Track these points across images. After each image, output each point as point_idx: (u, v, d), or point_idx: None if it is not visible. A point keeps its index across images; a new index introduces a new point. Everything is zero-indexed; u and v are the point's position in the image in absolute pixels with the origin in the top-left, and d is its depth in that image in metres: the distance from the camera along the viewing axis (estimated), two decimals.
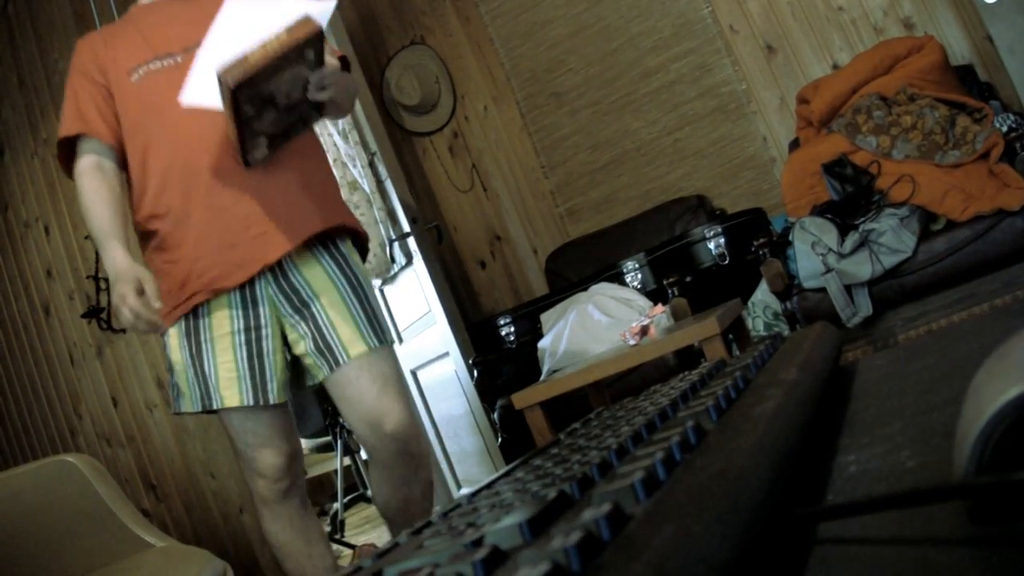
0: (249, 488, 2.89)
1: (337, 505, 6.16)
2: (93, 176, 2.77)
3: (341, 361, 2.75)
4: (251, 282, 2.74)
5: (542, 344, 4.57)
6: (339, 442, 6.36)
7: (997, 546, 0.32)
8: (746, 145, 5.54)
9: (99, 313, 5.32)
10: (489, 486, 0.57)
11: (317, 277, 2.79)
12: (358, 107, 5.09)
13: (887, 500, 0.35)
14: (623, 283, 4.90)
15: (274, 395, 2.75)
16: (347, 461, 6.55)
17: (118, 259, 2.63)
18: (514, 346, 5.16)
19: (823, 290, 3.82)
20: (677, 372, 0.82)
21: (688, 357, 3.96)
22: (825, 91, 4.54)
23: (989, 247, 3.64)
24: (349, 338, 2.77)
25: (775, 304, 4.14)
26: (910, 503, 0.34)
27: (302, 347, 2.78)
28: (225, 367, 2.73)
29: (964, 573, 0.31)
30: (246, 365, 2.74)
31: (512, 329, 5.22)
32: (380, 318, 2.88)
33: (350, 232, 2.96)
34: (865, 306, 3.76)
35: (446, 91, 6.23)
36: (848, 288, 3.78)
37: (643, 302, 4.43)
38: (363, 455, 6.80)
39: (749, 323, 4.27)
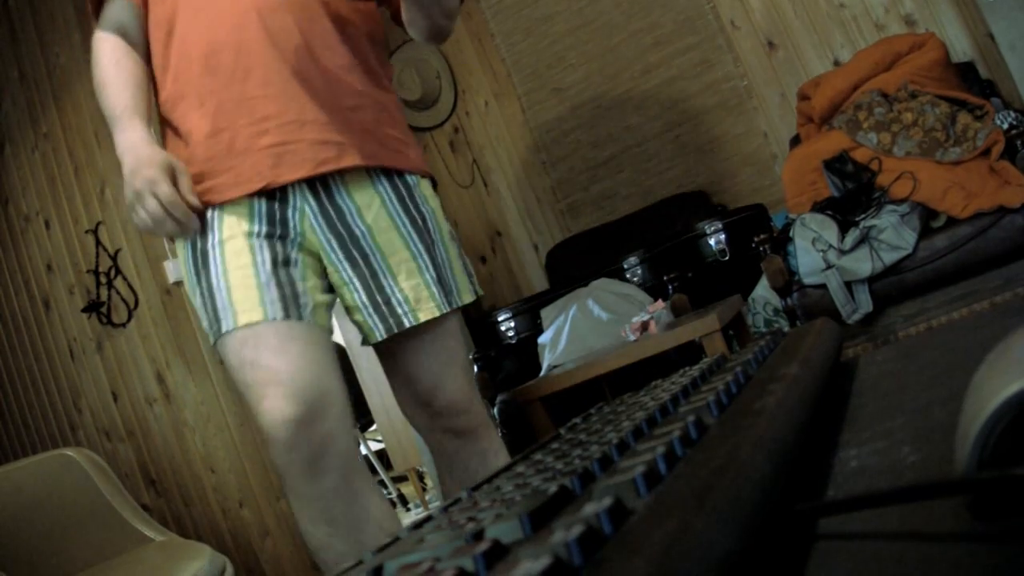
0: (277, 475, 2.11)
1: None
2: (113, 43, 2.22)
3: (406, 323, 2.22)
4: (283, 195, 2.15)
5: (542, 339, 4.58)
6: None
7: (999, 542, 0.32)
8: (747, 141, 5.54)
9: (99, 307, 5.32)
10: (490, 480, 0.57)
11: (376, 213, 2.22)
12: None
13: (888, 495, 0.35)
14: (623, 279, 4.90)
15: (309, 313, 2.10)
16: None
17: (140, 141, 2.09)
18: (514, 341, 5.16)
19: (823, 286, 3.82)
20: (678, 368, 0.82)
21: (689, 353, 3.96)
22: (826, 88, 4.54)
23: (990, 244, 3.64)
24: (416, 296, 2.23)
25: (775, 300, 4.14)
26: (911, 498, 0.34)
27: (350, 297, 2.23)
28: (239, 273, 2.08)
29: (965, 568, 0.31)
30: (269, 271, 2.08)
31: (512, 324, 5.22)
32: (455, 272, 2.34)
33: (426, 176, 2.42)
34: (865, 303, 3.77)
35: (447, 86, 6.23)
36: (848, 285, 3.78)
37: (643, 298, 4.44)
38: (364, 450, 6.79)
39: (749, 319, 4.28)
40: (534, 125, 6.08)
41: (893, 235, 3.72)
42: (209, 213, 2.13)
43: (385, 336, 2.24)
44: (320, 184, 2.18)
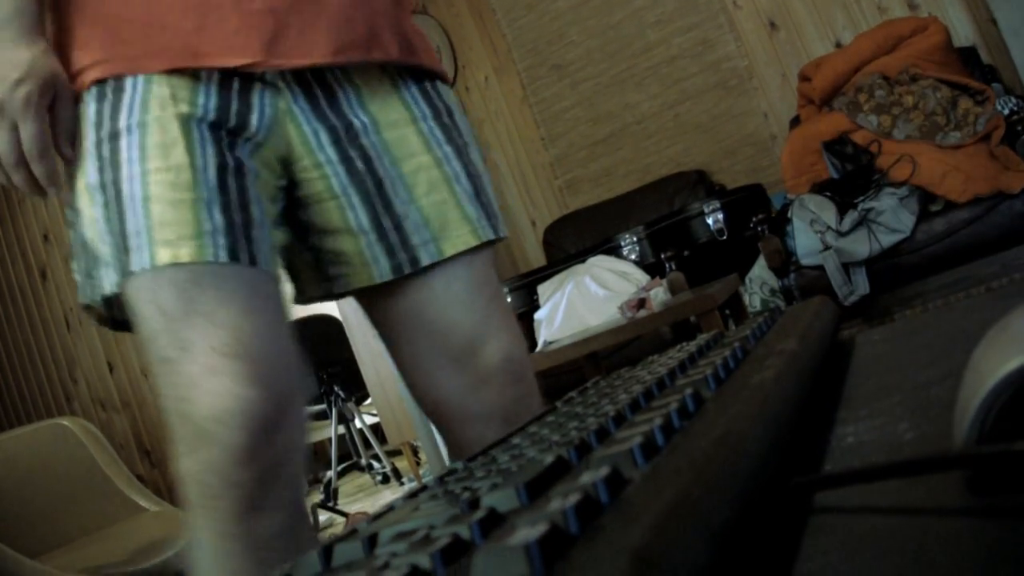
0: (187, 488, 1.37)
1: (331, 474, 6.17)
2: None
3: (424, 257, 1.55)
4: (253, 82, 1.44)
5: (539, 315, 4.58)
6: (333, 410, 6.37)
7: (997, 517, 0.32)
8: (746, 121, 5.53)
9: None
10: (485, 452, 0.57)
11: (394, 112, 1.56)
12: None
13: (887, 469, 0.35)
14: (621, 256, 4.90)
15: (266, 254, 1.40)
16: (341, 430, 6.54)
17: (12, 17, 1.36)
18: None
19: (821, 268, 3.82)
20: (673, 346, 0.81)
21: (684, 331, 3.96)
22: (827, 69, 4.53)
23: (988, 229, 3.64)
24: (442, 219, 1.56)
25: (772, 280, 4.14)
26: (910, 472, 0.34)
27: (341, 217, 1.53)
28: (165, 179, 1.33)
29: (963, 544, 0.31)
30: (214, 180, 1.35)
31: (509, 300, 5.22)
32: (491, 194, 1.66)
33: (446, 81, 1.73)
34: (862, 285, 3.77)
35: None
36: (846, 266, 3.78)
37: (640, 275, 4.44)
38: (358, 423, 6.80)
39: (746, 299, 4.28)
40: (534, 101, 6.07)
41: (891, 218, 3.71)
42: (129, 82, 1.38)
43: (391, 276, 1.55)
44: (314, 75, 1.50)
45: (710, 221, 4.74)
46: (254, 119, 1.43)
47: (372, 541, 0.38)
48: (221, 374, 1.26)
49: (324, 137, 1.50)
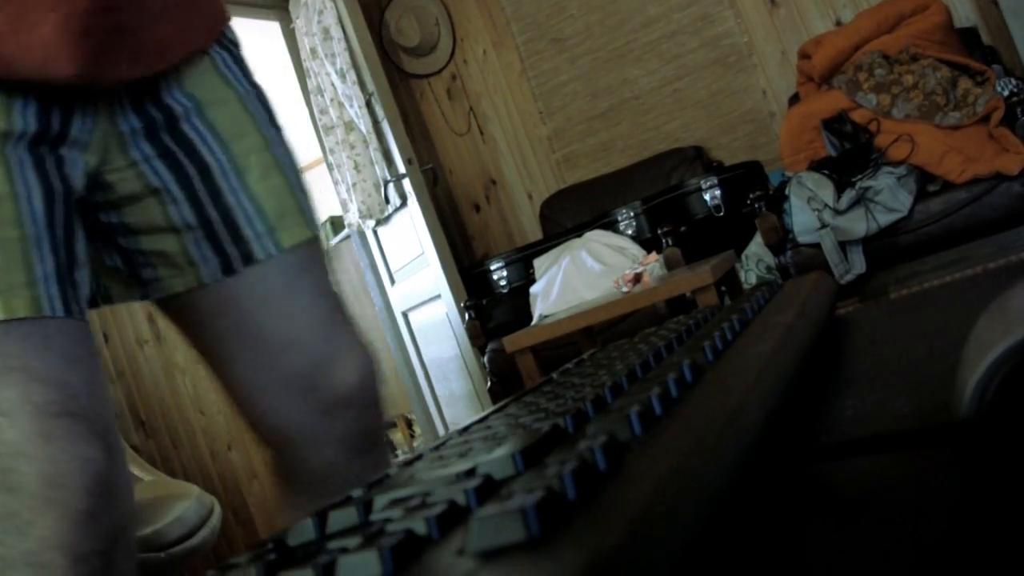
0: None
1: None
2: None
3: (259, 252, 1.37)
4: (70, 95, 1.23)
5: (534, 289, 4.58)
6: None
7: (996, 490, 0.32)
8: (745, 98, 5.52)
9: None
10: (481, 420, 0.57)
11: (219, 91, 1.39)
12: (356, 47, 5.06)
13: (888, 440, 0.35)
14: (617, 231, 4.89)
15: (85, 297, 1.23)
16: None
17: None
18: (506, 290, 5.17)
19: (817, 245, 3.82)
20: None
21: (680, 307, 3.96)
22: (827, 47, 4.51)
23: (985, 210, 3.64)
24: (280, 208, 1.39)
25: (768, 258, 4.14)
26: (911, 444, 0.34)
27: (162, 212, 1.33)
28: None
29: (962, 516, 0.31)
30: (42, 214, 1.16)
31: (505, 273, 5.22)
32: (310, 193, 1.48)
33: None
34: (859, 263, 3.77)
35: (445, 34, 6.19)
36: (843, 245, 3.78)
37: (637, 250, 4.43)
38: None
39: (742, 276, 4.28)
40: (532, 75, 6.05)
41: (889, 197, 3.71)
42: None
43: (220, 275, 1.36)
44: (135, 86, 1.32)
45: (707, 197, 4.73)
46: (76, 122, 1.24)
47: (367, 507, 0.38)
48: (57, 437, 1.08)
49: (140, 132, 1.30)
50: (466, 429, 0.55)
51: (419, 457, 0.50)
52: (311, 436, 1.41)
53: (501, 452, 0.37)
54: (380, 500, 0.38)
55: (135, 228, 1.34)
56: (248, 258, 1.35)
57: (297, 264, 1.40)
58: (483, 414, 0.59)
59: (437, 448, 0.51)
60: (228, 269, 1.35)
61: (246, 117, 1.39)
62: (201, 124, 1.34)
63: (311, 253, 1.43)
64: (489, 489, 0.33)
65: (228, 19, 1.46)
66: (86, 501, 1.07)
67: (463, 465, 0.38)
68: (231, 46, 1.45)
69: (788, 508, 0.36)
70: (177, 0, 1.31)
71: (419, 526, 0.30)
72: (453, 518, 0.31)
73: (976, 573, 0.27)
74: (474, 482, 0.34)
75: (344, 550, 0.30)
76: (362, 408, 1.43)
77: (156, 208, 1.32)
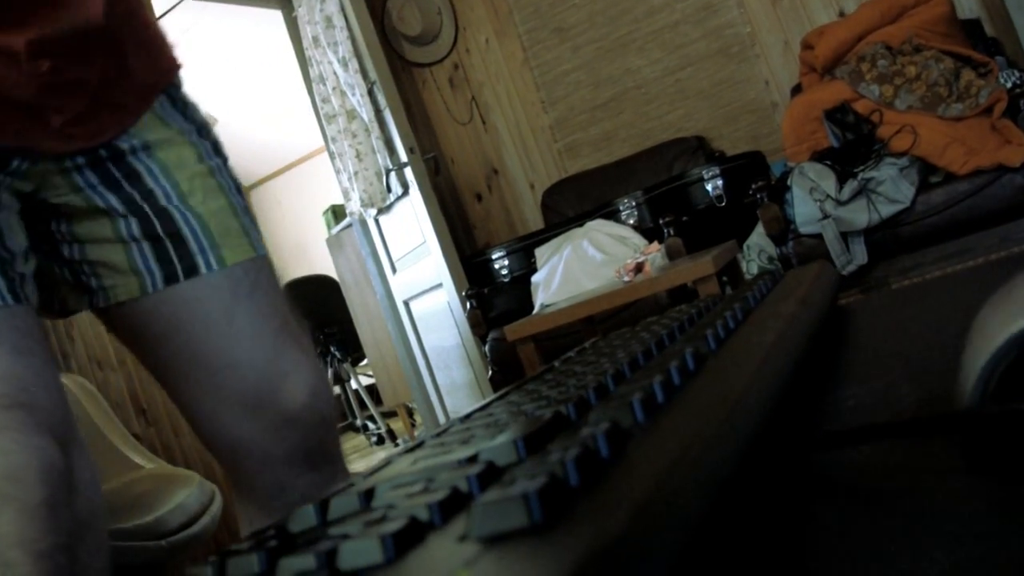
0: None
1: None
2: None
3: (201, 265, 1.38)
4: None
5: (536, 278, 4.58)
6: (329, 371, 6.37)
7: (998, 478, 0.32)
8: (748, 88, 5.51)
9: None
10: (483, 408, 0.57)
11: (161, 132, 1.40)
12: (359, 35, 5.05)
13: (890, 428, 0.35)
14: (619, 220, 4.89)
15: (31, 285, 1.29)
16: (337, 391, 6.56)
17: None
18: (508, 280, 5.17)
19: (819, 236, 3.81)
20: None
21: (682, 297, 3.96)
22: (830, 38, 4.50)
23: (987, 202, 3.63)
24: (223, 231, 1.41)
25: (770, 248, 4.14)
26: (914, 432, 0.34)
27: (112, 227, 1.35)
28: None
29: (965, 504, 0.31)
30: None
31: (506, 263, 5.22)
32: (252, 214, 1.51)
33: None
34: (860, 254, 3.76)
35: (448, 23, 6.18)
36: (844, 236, 3.78)
37: (638, 240, 4.43)
38: (354, 384, 6.81)
39: (744, 266, 4.28)
40: (534, 64, 6.04)
41: (891, 188, 3.71)
42: None
43: (162, 285, 1.36)
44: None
45: (709, 187, 4.73)
46: (15, 160, 1.25)
47: (369, 494, 0.37)
48: (7, 430, 1.07)
49: (84, 165, 1.32)
50: (468, 417, 0.55)
51: (420, 444, 0.50)
52: (261, 454, 1.42)
53: (503, 439, 0.37)
54: (382, 487, 0.38)
55: (81, 238, 1.36)
56: (191, 270, 1.36)
57: (241, 284, 1.41)
58: (485, 401, 0.59)
59: (438, 435, 0.51)
60: (171, 278, 1.36)
61: (189, 151, 1.41)
62: (146, 158, 1.36)
63: (257, 273, 1.44)
64: (491, 475, 0.33)
65: (175, 74, 1.47)
66: (43, 493, 1.05)
67: (465, 452, 0.38)
68: (172, 89, 1.46)
69: (790, 495, 0.36)
70: (122, 82, 1.33)
71: (421, 512, 0.30)
72: (455, 504, 0.31)
73: (978, 559, 0.27)
74: (476, 468, 0.34)
75: (346, 536, 0.30)
76: (312, 426, 1.44)
77: (104, 221, 1.35)
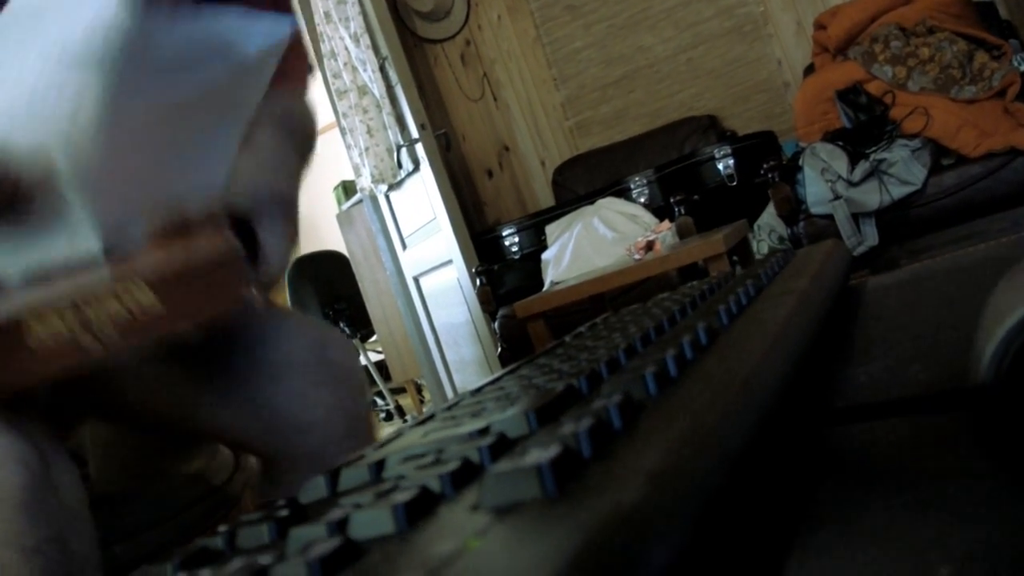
0: None
1: None
2: None
3: None
4: None
5: (546, 256, 4.58)
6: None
7: (1012, 455, 0.32)
8: (760, 68, 5.50)
9: None
10: (494, 382, 0.57)
11: None
12: (370, 11, 5.04)
13: (902, 405, 0.35)
14: (630, 199, 4.89)
15: None
16: None
17: None
18: (518, 257, 5.17)
19: (830, 217, 3.81)
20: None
21: (692, 276, 3.96)
22: (843, 18, 4.49)
23: (999, 185, 3.63)
24: None
25: (781, 228, 4.13)
26: (926, 408, 0.34)
27: None
28: None
29: (978, 483, 0.31)
30: None
31: (517, 240, 5.22)
32: None
33: None
34: (871, 236, 3.76)
35: None
36: (855, 217, 3.77)
37: (649, 218, 4.43)
38: (363, 360, 6.81)
39: (754, 245, 4.27)
40: (547, 41, 6.02)
41: (903, 169, 3.70)
42: None
43: None
44: None
45: (720, 166, 4.72)
46: None
47: (379, 465, 0.37)
48: None
49: None
50: (478, 390, 0.55)
51: (431, 417, 0.50)
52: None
53: (515, 411, 0.37)
54: (393, 458, 0.38)
55: None
56: None
57: None
58: (495, 375, 0.59)
59: (449, 408, 0.51)
60: None
61: None
62: None
63: None
64: (503, 447, 0.33)
65: None
66: (25, 476, 1.03)
67: (476, 424, 0.38)
68: None
69: (802, 470, 0.36)
70: None
71: (433, 483, 0.30)
72: (467, 475, 0.31)
73: (990, 537, 0.27)
74: (488, 440, 0.34)
75: (357, 506, 0.30)
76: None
77: None
